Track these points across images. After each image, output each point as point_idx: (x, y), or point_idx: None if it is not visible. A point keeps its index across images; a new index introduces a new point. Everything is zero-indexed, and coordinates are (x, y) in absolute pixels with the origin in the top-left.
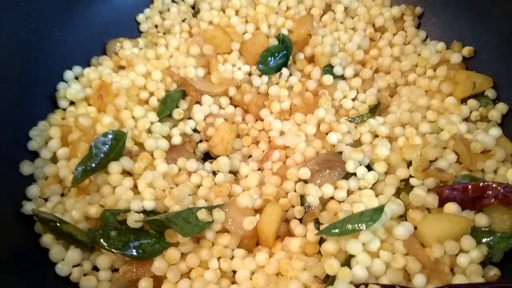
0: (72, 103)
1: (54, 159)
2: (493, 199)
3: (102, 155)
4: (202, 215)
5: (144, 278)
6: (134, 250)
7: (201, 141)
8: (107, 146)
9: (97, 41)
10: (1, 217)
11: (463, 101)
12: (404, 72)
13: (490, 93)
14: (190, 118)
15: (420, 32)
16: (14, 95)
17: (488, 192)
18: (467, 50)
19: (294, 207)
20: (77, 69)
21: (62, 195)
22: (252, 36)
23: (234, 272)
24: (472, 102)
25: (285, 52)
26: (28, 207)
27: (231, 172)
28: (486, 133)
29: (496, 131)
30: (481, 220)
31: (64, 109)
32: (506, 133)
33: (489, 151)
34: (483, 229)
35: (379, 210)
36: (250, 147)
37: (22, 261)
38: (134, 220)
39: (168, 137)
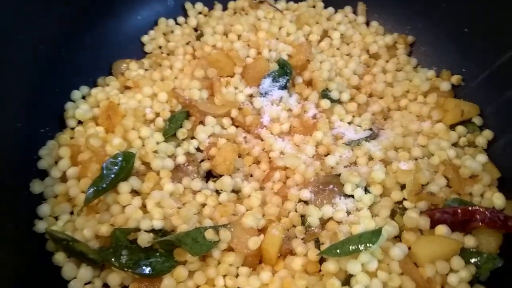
0: (79, 122)
1: (63, 178)
2: (480, 223)
3: (112, 176)
4: (209, 235)
5: None
6: (145, 269)
7: (203, 160)
8: (117, 167)
9: (103, 61)
10: (13, 235)
11: (452, 127)
12: (397, 98)
13: (477, 120)
14: (193, 137)
15: (412, 59)
16: (23, 115)
17: (476, 216)
18: (455, 79)
19: (295, 226)
20: (84, 89)
21: (71, 213)
22: (254, 61)
23: None
24: (460, 129)
25: (285, 76)
26: (40, 226)
27: (233, 191)
28: (474, 159)
29: (482, 157)
30: (470, 241)
31: (72, 129)
32: (492, 158)
33: (477, 176)
34: (471, 250)
35: (377, 232)
36: (251, 166)
37: (35, 279)
38: (146, 240)
39: (173, 156)
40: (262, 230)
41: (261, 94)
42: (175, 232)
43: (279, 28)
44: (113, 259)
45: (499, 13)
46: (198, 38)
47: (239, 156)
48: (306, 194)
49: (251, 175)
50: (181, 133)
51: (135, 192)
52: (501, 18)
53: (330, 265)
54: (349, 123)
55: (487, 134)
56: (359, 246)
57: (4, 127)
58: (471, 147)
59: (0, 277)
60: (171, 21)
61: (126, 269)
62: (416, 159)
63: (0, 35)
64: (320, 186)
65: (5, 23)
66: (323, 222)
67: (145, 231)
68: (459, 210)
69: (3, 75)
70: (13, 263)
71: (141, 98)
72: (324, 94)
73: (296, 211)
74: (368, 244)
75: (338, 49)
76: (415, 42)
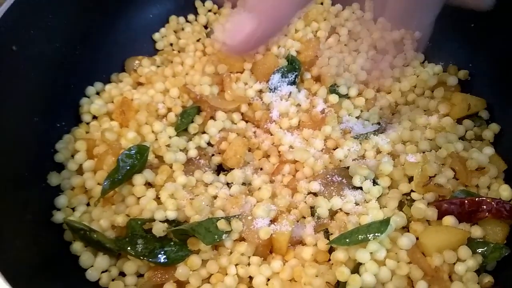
0: (94, 117)
1: (79, 171)
2: (487, 213)
3: (128, 168)
4: (222, 225)
5: (168, 283)
6: (160, 257)
7: (214, 154)
8: (132, 159)
9: (116, 58)
10: (33, 226)
11: (459, 121)
12: (404, 92)
13: (484, 114)
14: (204, 132)
15: (419, 55)
16: (40, 110)
17: (483, 206)
18: (462, 73)
19: (305, 218)
20: (98, 85)
21: (87, 204)
22: (263, 57)
23: (251, 278)
24: (467, 122)
25: (294, 72)
26: (58, 216)
27: (243, 184)
28: (481, 152)
29: (489, 150)
30: (476, 232)
31: (87, 123)
32: (498, 151)
33: (483, 168)
34: (478, 240)
35: (385, 222)
36: (261, 160)
37: (53, 268)
38: (161, 229)
39: (185, 150)
40: (273, 221)
41: (270, 89)
42: (188, 222)
43: (288, 25)
44: (129, 248)
45: (505, 8)
46: (208, 35)
47: (249, 150)
48: (315, 186)
49: (261, 169)
50: (193, 128)
51: (149, 184)
52: (507, 12)
53: (340, 254)
54: (357, 117)
55: (494, 127)
56: (368, 235)
57: (22, 121)
58: (478, 141)
59: (21, 265)
60: (181, 19)
61: (142, 258)
62: (423, 152)
63: (17, 33)
64: (329, 179)
65: (22, 22)
66: (332, 213)
67: (160, 221)
68: (466, 201)
69: (21, 72)
70: (33, 252)
71: (154, 94)
72: (332, 89)
73: (305, 203)
74: (376, 234)
75: (346, 45)
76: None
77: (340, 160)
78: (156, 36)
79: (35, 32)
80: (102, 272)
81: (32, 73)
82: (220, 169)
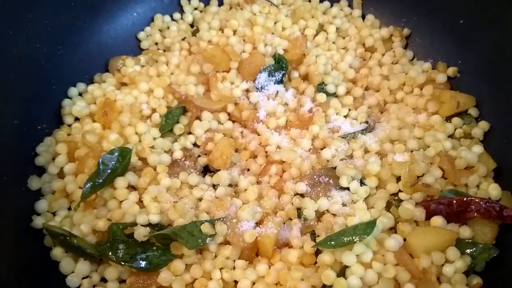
0: (76, 119)
1: (60, 174)
2: (476, 213)
3: (109, 171)
4: (205, 228)
5: None
6: (142, 262)
7: (200, 155)
8: (113, 162)
9: (100, 58)
10: (12, 230)
11: (448, 119)
12: (393, 90)
13: (473, 112)
14: (189, 133)
15: (408, 52)
16: (20, 112)
17: (471, 206)
18: (451, 71)
19: (291, 219)
20: (81, 86)
21: (69, 209)
22: (250, 56)
23: (236, 282)
24: (456, 120)
25: (281, 70)
26: (38, 221)
27: (230, 185)
28: (469, 150)
29: (478, 148)
30: (465, 232)
31: (69, 125)
32: (488, 149)
33: (472, 167)
34: (466, 240)
35: (372, 224)
36: (248, 161)
37: (33, 274)
38: (143, 234)
39: (169, 152)
40: (258, 223)
41: (257, 88)
42: (171, 226)
43: (275, 23)
44: (110, 253)
45: (493, 4)
46: (194, 34)
47: (236, 151)
48: (302, 187)
49: (248, 169)
50: (178, 129)
51: (132, 188)
52: (495, 8)
53: (326, 257)
54: (345, 116)
55: (483, 125)
56: (354, 237)
57: (2, 124)
58: (467, 139)
59: None
60: (167, 18)
61: (123, 263)
62: (412, 151)
63: None
64: (316, 179)
65: (2, 22)
66: (319, 214)
67: (142, 225)
68: (454, 201)
69: (0, 72)
70: (11, 259)
71: (138, 94)
72: (320, 88)
73: (292, 204)
74: (363, 235)
75: (334, 43)
76: (410, 34)
77: (328, 160)
78: (141, 35)
79: (14, 32)
80: (83, 278)
81: (11, 74)
82: (206, 170)
